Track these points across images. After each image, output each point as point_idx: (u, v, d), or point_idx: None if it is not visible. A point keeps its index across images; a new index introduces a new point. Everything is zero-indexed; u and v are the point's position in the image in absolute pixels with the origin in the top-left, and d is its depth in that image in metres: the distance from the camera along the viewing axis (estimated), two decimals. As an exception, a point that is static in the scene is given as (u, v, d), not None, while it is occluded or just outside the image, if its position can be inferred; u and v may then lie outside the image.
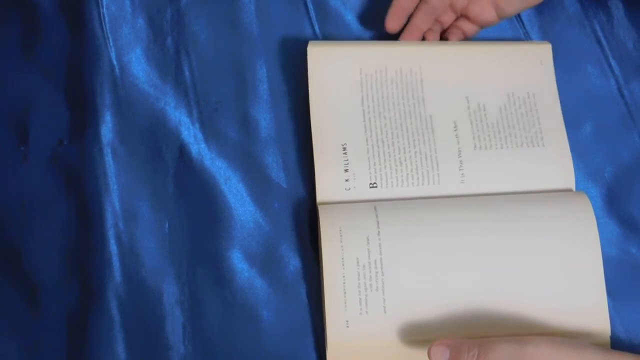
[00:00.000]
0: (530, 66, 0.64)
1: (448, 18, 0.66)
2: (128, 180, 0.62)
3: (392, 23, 0.65)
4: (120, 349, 0.57)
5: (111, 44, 0.67)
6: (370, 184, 0.59)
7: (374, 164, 0.59)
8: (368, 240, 0.56)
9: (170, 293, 0.59)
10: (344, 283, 0.55)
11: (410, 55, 0.64)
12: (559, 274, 0.55)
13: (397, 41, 0.65)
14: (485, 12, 0.65)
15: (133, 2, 0.68)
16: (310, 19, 0.69)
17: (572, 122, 0.63)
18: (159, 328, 0.58)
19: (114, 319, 0.58)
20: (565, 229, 0.56)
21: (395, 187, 0.59)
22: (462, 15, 0.66)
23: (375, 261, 0.55)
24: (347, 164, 0.60)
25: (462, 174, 0.60)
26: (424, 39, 0.66)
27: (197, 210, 0.61)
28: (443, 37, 0.67)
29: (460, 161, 0.60)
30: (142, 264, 0.59)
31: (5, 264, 0.59)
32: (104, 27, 0.67)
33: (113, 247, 0.60)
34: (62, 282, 0.59)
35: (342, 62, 0.63)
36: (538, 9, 0.69)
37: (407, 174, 0.59)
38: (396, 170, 0.59)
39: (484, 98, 0.63)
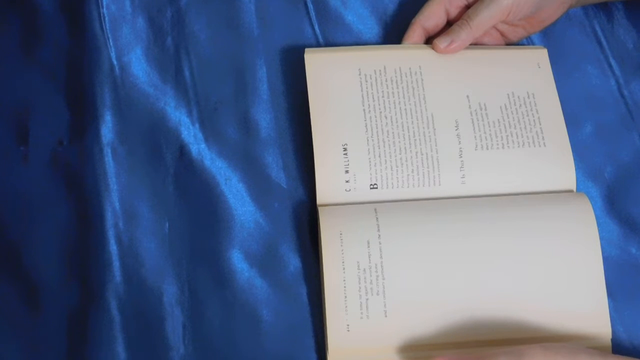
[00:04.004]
0: (528, 68, 0.64)
1: None
2: (128, 180, 0.62)
3: (411, 40, 0.65)
4: (120, 349, 0.57)
5: (111, 44, 0.67)
6: (371, 185, 0.59)
7: (375, 165, 0.59)
8: (368, 243, 0.55)
9: (170, 293, 0.59)
10: (345, 287, 0.54)
11: (409, 56, 0.64)
12: (560, 276, 0.55)
13: (396, 45, 0.66)
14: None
15: (133, 2, 0.68)
16: (310, 19, 0.69)
17: (572, 122, 0.63)
18: (159, 328, 0.58)
19: (114, 319, 0.57)
20: (566, 231, 0.57)
21: (395, 188, 0.59)
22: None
23: (376, 265, 0.55)
24: (348, 164, 0.59)
25: (463, 175, 0.60)
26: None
27: (197, 210, 0.61)
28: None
29: (462, 161, 0.60)
30: (142, 264, 0.59)
31: (5, 264, 0.59)
32: (104, 27, 0.67)
33: (113, 247, 0.60)
34: (62, 282, 0.59)
35: (341, 65, 0.63)
36: (538, 9, 0.69)
37: (408, 175, 0.59)
38: (397, 171, 0.59)
39: (484, 97, 0.63)
